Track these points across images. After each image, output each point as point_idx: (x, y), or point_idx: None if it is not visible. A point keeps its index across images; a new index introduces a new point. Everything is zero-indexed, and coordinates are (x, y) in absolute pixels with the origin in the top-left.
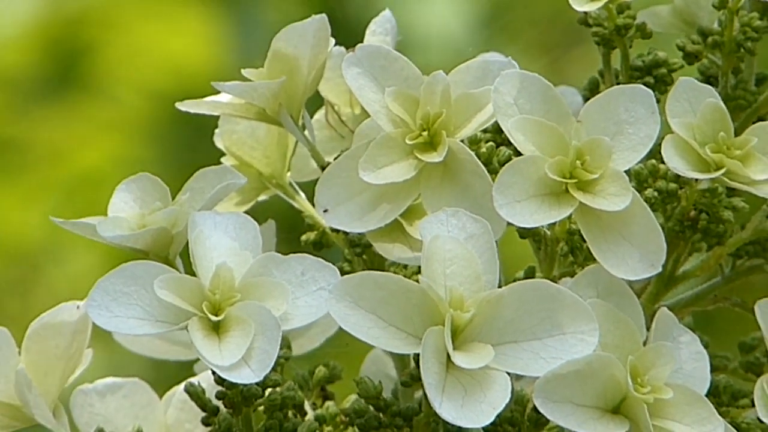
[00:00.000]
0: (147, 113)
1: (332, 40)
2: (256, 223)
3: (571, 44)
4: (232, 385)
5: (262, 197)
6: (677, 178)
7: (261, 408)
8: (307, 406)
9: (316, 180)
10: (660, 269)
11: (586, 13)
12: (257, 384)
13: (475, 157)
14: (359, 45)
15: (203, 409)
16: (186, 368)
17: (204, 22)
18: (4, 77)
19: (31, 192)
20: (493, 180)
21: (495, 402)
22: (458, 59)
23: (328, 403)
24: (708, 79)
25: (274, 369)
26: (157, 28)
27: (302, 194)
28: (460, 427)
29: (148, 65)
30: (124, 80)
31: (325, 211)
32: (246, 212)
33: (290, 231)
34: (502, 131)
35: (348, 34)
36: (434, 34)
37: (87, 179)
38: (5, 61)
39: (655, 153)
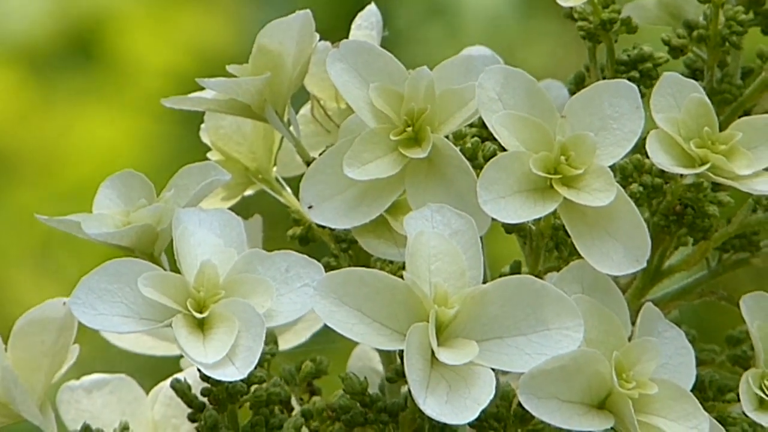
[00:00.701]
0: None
1: (317, 35)
2: (240, 220)
3: None
4: (217, 382)
5: (248, 192)
6: (662, 172)
7: (248, 404)
8: (294, 401)
9: (302, 175)
10: (644, 264)
11: (571, 7)
12: (242, 381)
13: (460, 153)
14: (343, 40)
15: (189, 406)
16: (176, 363)
17: (228, 4)
18: (24, 57)
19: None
20: (479, 175)
21: (479, 398)
22: (495, 26)
23: (315, 398)
24: (694, 72)
25: (259, 365)
26: (180, 11)
27: (288, 189)
28: (445, 424)
29: (171, 48)
30: (147, 62)
31: (310, 207)
32: (235, 207)
33: (278, 227)
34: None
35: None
36: (471, 1)
37: (109, 161)
38: (25, 40)
39: (640, 148)
